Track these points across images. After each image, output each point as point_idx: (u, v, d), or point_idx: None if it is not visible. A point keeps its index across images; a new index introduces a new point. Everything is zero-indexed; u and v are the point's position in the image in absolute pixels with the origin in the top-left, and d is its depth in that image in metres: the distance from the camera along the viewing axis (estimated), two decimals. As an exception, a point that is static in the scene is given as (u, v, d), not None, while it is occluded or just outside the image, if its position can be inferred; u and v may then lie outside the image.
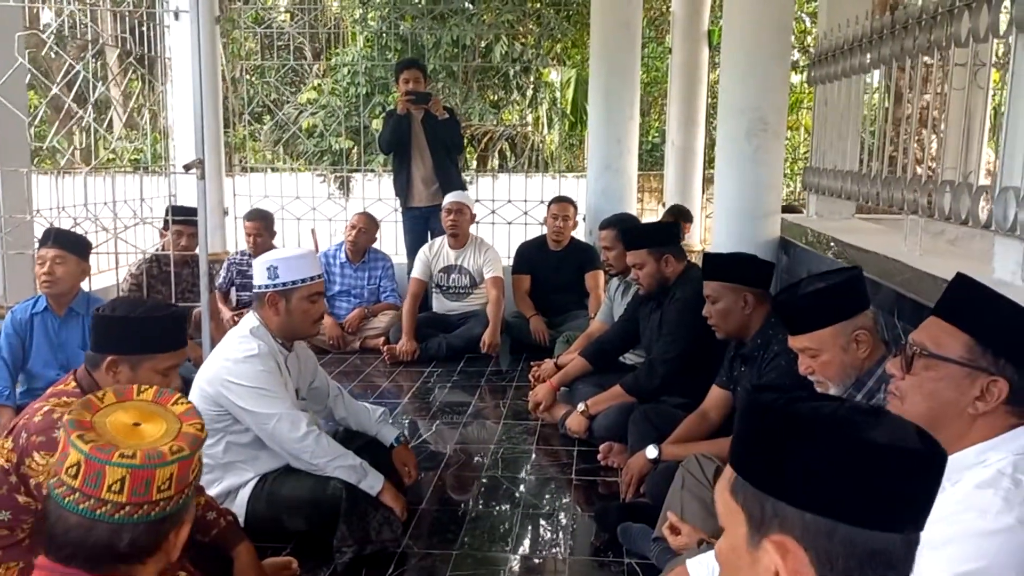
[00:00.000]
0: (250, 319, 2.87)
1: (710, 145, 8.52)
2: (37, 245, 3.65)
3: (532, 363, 4.60)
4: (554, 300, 5.48)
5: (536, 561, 2.77)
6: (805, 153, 10.95)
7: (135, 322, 2.17)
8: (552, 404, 4.01)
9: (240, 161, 8.27)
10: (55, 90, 4.12)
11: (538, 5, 10.70)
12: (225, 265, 5.63)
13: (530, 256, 5.62)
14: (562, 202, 5.55)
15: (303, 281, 2.83)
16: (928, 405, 1.44)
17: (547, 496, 3.30)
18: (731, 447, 0.98)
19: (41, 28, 5.42)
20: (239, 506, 2.76)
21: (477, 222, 5.76)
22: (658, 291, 3.70)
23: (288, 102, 11.25)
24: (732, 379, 3.08)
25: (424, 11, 9.23)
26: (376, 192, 6.82)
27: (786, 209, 5.31)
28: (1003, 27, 2.63)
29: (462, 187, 5.75)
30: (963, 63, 2.95)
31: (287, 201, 6.83)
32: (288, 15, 10.64)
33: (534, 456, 3.66)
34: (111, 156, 5.85)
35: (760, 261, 3.16)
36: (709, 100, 8.78)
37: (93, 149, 4.68)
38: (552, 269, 5.52)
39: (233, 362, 2.74)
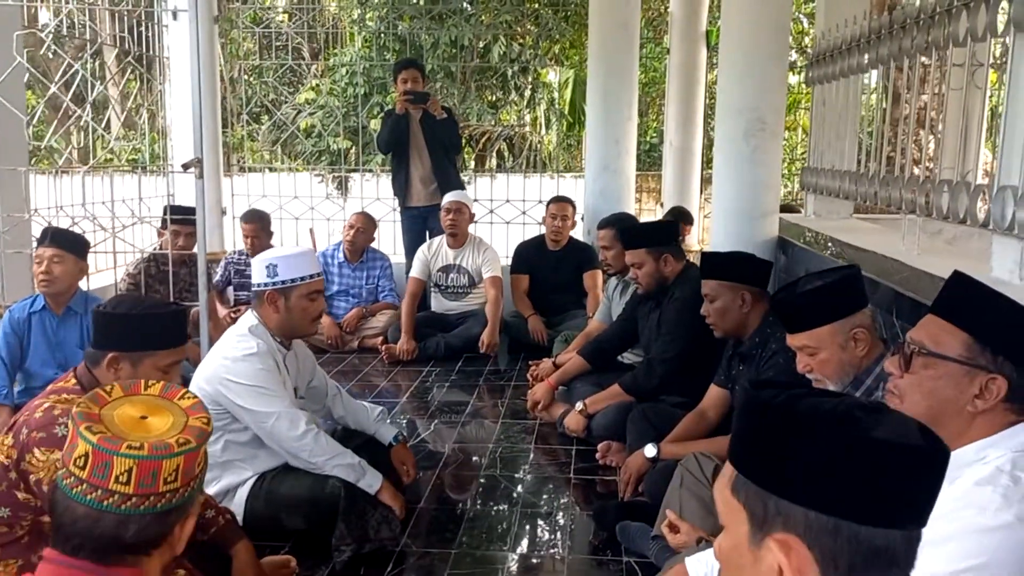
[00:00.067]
0: (249, 317, 2.87)
1: (708, 145, 8.52)
2: (35, 244, 3.65)
3: (530, 362, 4.61)
4: (552, 300, 5.48)
5: (535, 560, 2.77)
6: (803, 153, 10.95)
7: (137, 319, 2.18)
8: (550, 403, 4.01)
9: (238, 161, 8.26)
10: (53, 88, 4.12)
11: (536, 6, 10.72)
12: (222, 264, 5.64)
13: (528, 256, 5.62)
14: (561, 202, 5.55)
15: (302, 279, 2.83)
16: (927, 403, 1.44)
17: (546, 495, 3.30)
18: (730, 444, 0.98)
19: (39, 28, 5.41)
20: (238, 504, 2.76)
21: (476, 222, 5.76)
22: (657, 290, 3.71)
23: (286, 102, 11.22)
24: (730, 378, 3.08)
25: (422, 11, 9.22)
26: (374, 192, 6.82)
27: (784, 209, 5.32)
28: (1000, 27, 2.64)
29: (460, 187, 5.76)
30: (961, 63, 2.95)
31: (285, 201, 6.84)
32: (286, 15, 10.63)
33: (532, 455, 3.66)
34: (109, 156, 5.84)
35: (758, 260, 3.16)
36: (707, 100, 8.78)
37: (91, 149, 4.67)
38: (550, 269, 5.52)
39: (232, 360, 2.74)
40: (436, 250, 5.47)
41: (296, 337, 2.99)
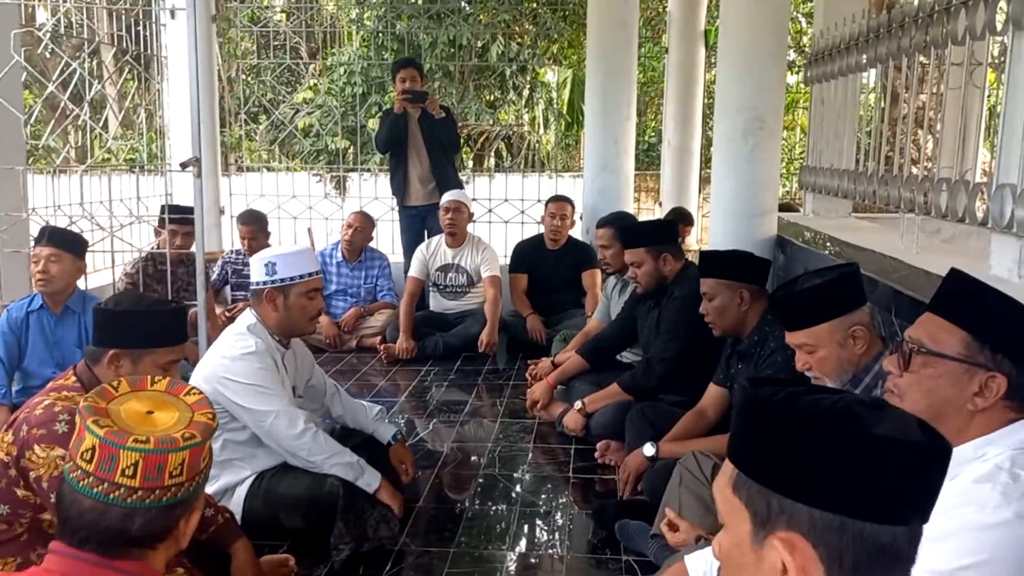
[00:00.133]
0: (247, 316, 2.87)
1: (706, 145, 8.53)
2: (32, 244, 3.64)
3: (529, 362, 4.60)
4: (551, 299, 5.49)
5: (533, 559, 2.77)
6: (801, 153, 10.95)
7: (138, 316, 2.20)
8: (549, 402, 4.01)
9: (236, 160, 8.26)
10: (51, 88, 4.11)
11: (534, 5, 10.72)
12: (219, 264, 5.63)
13: (527, 255, 5.63)
14: (560, 201, 5.56)
15: (301, 277, 2.83)
16: (927, 402, 1.44)
17: (544, 494, 3.30)
18: (729, 442, 0.97)
19: (37, 27, 5.40)
20: (236, 503, 2.75)
21: (474, 221, 5.76)
22: (656, 290, 3.71)
23: (284, 101, 11.24)
24: (729, 376, 3.08)
25: (420, 11, 9.23)
26: (373, 191, 6.82)
27: (783, 208, 5.32)
28: (999, 26, 2.64)
29: (459, 186, 5.75)
30: (959, 62, 2.96)
31: (283, 200, 6.83)
32: (284, 14, 10.62)
33: (531, 454, 3.66)
34: (107, 155, 5.83)
35: (756, 258, 3.16)
36: (705, 100, 8.78)
37: (89, 148, 4.66)
38: (549, 268, 5.53)
39: (230, 359, 2.73)
40: (434, 249, 5.47)
41: (295, 335, 2.98)
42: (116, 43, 4.93)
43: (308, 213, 6.87)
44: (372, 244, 5.81)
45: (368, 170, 7.87)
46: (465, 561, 2.71)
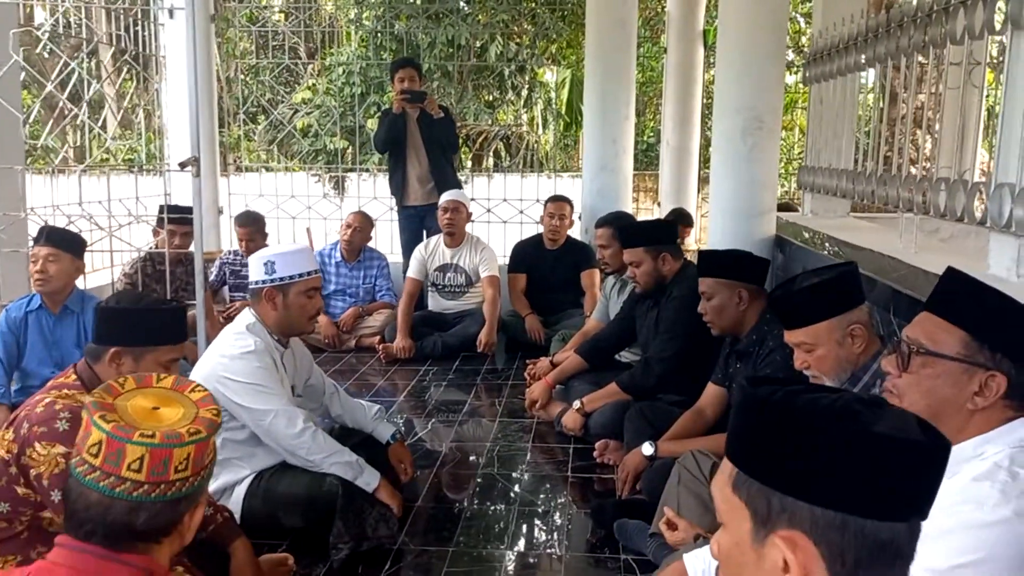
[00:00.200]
0: (246, 316, 2.87)
1: (705, 145, 8.53)
2: (31, 243, 3.64)
3: (528, 361, 4.60)
4: (550, 299, 5.49)
5: (532, 559, 2.77)
6: (800, 153, 10.96)
7: (140, 314, 2.21)
8: (548, 402, 4.01)
9: (235, 161, 8.26)
10: (49, 87, 4.11)
11: (533, 5, 10.72)
12: (217, 264, 5.63)
13: (526, 255, 5.63)
14: (558, 201, 5.56)
15: (300, 276, 2.84)
16: (927, 402, 1.43)
17: (543, 493, 3.30)
18: (727, 441, 0.97)
19: (35, 26, 5.40)
20: (235, 503, 2.76)
21: (473, 221, 5.76)
22: (655, 289, 3.71)
23: (283, 101, 11.24)
24: (728, 376, 3.08)
25: (419, 11, 9.23)
26: (371, 191, 6.82)
27: (782, 207, 5.32)
28: (998, 26, 2.64)
29: (458, 186, 5.75)
30: (958, 62, 2.96)
31: (282, 200, 6.84)
32: (283, 14, 10.63)
33: (530, 454, 3.66)
34: (105, 155, 5.83)
35: (755, 257, 3.16)
36: (704, 100, 8.79)
37: (87, 148, 4.66)
38: (548, 268, 5.53)
39: (229, 358, 2.74)
40: (433, 249, 5.48)
41: (294, 335, 2.99)
42: (115, 43, 4.93)
43: (307, 213, 6.87)
44: (371, 244, 5.81)
45: (367, 170, 7.87)
46: (464, 560, 2.71)
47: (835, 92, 4.31)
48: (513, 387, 4.58)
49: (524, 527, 2.97)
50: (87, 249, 3.72)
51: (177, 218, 4.37)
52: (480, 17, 11.18)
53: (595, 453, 3.49)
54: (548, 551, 2.82)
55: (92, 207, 4.05)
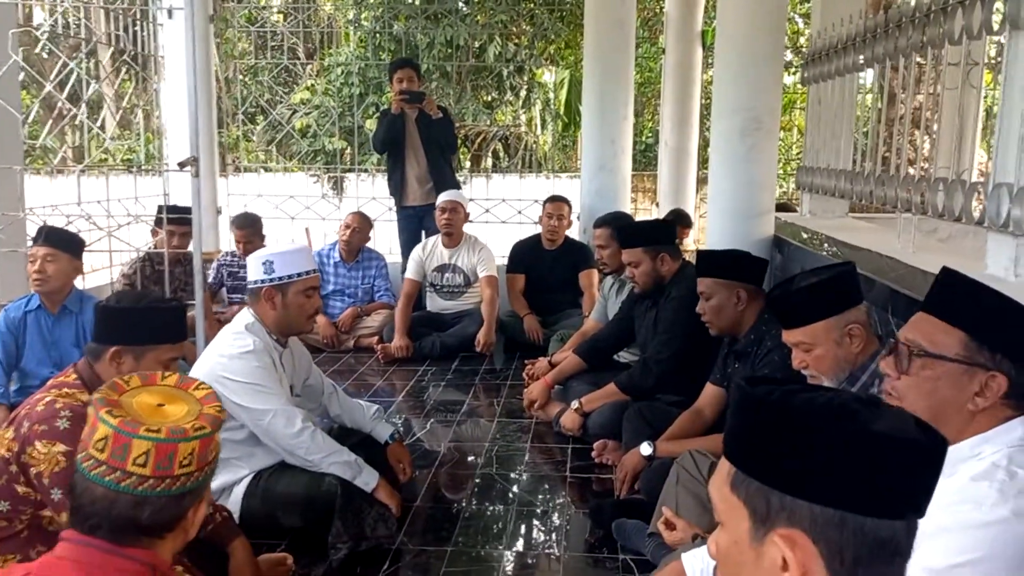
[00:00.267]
0: (245, 315, 2.87)
1: (704, 145, 8.53)
2: (30, 243, 3.64)
3: (526, 361, 4.61)
4: (548, 299, 5.49)
5: (531, 558, 2.77)
6: (798, 153, 10.97)
7: (141, 313, 2.22)
8: (546, 402, 4.01)
9: (234, 161, 8.25)
10: (48, 88, 4.11)
11: (532, 5, 10.71)
12: (215, 266, 5.63)
13: (524, 255, 5.63)
14: (557, 201, 5.56)
15: (299, 275, 2.84)
16: (927, 404, 1.43)
17: (542, 493, 3.30)
18: (725, 441, 0.98)
19: (34, 27, 5.39)
20: (234, 502, 2.75)
21: (471, 221, 5.76)
22: (654, 289, 3.71)
23: (281, 102, 11.24)
24: (726, 376, 3.08)
25: (418, 11, 9.22)
26: (370, 191, 6.82)
27: (780, 208, 5.32)
28: (996, 26, 2.64)
29: (456, 186, 5.75)
30: (956, 63, 2.96)
31: (281, 201, 6.83)
32: (281, 15, 10.62)
33: (528, 454, 3.66)
34: (104, 155, 5.83)
35: (753, 257, 3.16)
36: (703, 100, 8.79)
37: (86, 148, 4.66)
38: (546, 268, 5.53)
39: (228, 358, 2.74)
40: (431, 250, 5.48)
41: (293, 334, 2.99)
42: (113, 43, 4.93)
43: (306, 213, 6.87)
44: (370, 244, 5.81)
45: (365, 170, 7.87)
46: (462, 560, 2.71)
47: (833, 92, 4.31)
48: (511, 387, 4.58)
49: (523, 527, 2.98)
50: (86, 249, 3.72)
51: (176, 218, 4.37)
52: (479, 18, 11.19)
53: (593, 453, 3.49)
54: (546, 551, 2.82)
55: (91, 207, 4.06)
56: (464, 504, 3.15)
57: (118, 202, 4.29)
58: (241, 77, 8.84)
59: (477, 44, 11.40)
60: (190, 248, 3.92)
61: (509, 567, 2.69)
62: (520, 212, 6.67)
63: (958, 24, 2.81)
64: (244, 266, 3.32)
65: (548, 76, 14.48)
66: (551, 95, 14.56)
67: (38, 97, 4.58)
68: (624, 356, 4.17)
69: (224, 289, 5.65)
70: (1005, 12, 2.51)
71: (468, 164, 14.30)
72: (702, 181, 8.53)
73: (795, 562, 0.88)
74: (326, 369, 4.80)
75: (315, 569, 2.63)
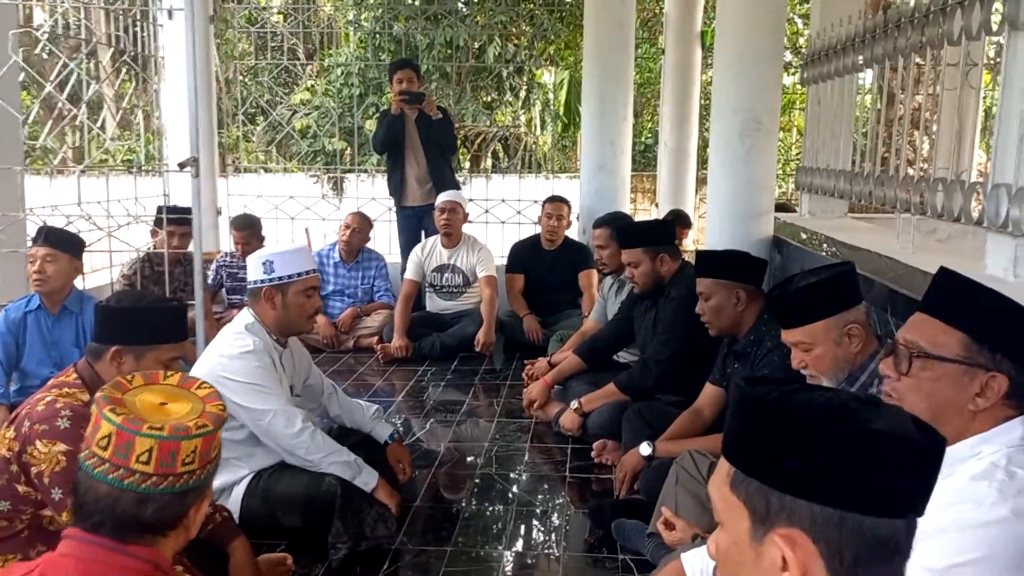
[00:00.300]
0: (245, 315, 2.87)
1: (703, 146, 8.54)
2: (30, 244, 3.64)
3: (526, 361, 4.61)
4: (548, 299, 5.50)
5: (530, 559, 2.77)
6: (797, 154, 10.98)
7: (141, 313, 2.23)
8: (546, 402, 4.01)
9: (233, 161, 8.25)
10: (48, 88, 4.11)
11: (531, 6, 10.71)
12: (214, 267, 5.63)
13: (524, 255, 5.64)
14: (556, 201, 5.57)
15: (299, 275, 2.84)
16: (927, 404, 1.43)
17: (541, 494, 3.30)
18: (724, 441, 0.98)
19: (34, 27, 5.39)
20: (234, 503, 2.76)
21: (470, 222, 5.77)
22: (653, 290, 3.71)
23: (281, 103, 11.23)
24: (725, 376, 3.09)
25: (418, 12, 9.22)
26: (370, 192, 6.82)
27: (780, 208, 5.32)
28: (995, 27, 2.65)
29: (456, 187, 5.76)
30: (955, 63, 2.96)
31: (280, 201, 6.84)
32: (281, 16, 10.63)
33: (528, 454, 3.66)
34: (104, 156, 5.83)
35: (752, 258, 3.17)
36: (702, 101, 8.80)
37: (86, 149, 4.66)
38: (546, 268, 5.54)
39: (228, 358, 2.74)
40: (430, 250, 5.48)
41: (292, 334, 2.99)
42: (114, 44, 4.93)
43: (305, 214, 6.88)
44: (369, 245, 5.82)
45: (365, 171, 7.88)
46: (462, 560, 2.71)
47: (833, 93, 4.32)
48: (511, 387, 4.59)
49: (522, 527, 2.98)
50: (86, 249, 3.72)
51: (176, 219, 4.37)
52: (478, 18, 11.19)
53: (593, 453, 3.49)
54: (546, 551, 2.82)
55: (91, 207, 4.06)
56: (464, 504, 3.15)
57: (118, 202, 4.29)
58: (241, 78, 8.84)
59: (477, 45, 11.40)
60: (190, 248, 3.92)
61: (509, 567, 2.70)
62: (519, 212, 6.67)
63: (957, 25, 2.82)
64: (243, 267, 3.32)
65: (548, 77, 14.48)
66: (551, 96, 14.56)
67: (38, 98, 4.58)
68: (624, 356, 4.18)
69: (223, 290, 5.65)
70: (1004, 13, 2.51)
71: (468, 164, 14.30)
72: (701, 181, 8.54)
73: (795, 562, 0.88)
74: (326, 369, 4.80)
75: (315, 569, 2.64)
